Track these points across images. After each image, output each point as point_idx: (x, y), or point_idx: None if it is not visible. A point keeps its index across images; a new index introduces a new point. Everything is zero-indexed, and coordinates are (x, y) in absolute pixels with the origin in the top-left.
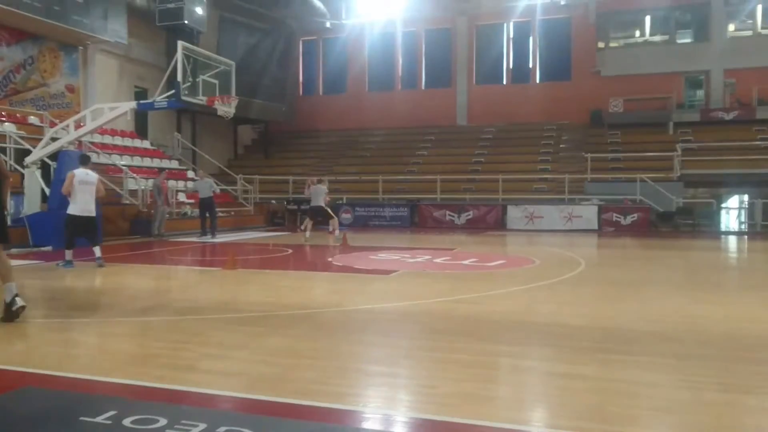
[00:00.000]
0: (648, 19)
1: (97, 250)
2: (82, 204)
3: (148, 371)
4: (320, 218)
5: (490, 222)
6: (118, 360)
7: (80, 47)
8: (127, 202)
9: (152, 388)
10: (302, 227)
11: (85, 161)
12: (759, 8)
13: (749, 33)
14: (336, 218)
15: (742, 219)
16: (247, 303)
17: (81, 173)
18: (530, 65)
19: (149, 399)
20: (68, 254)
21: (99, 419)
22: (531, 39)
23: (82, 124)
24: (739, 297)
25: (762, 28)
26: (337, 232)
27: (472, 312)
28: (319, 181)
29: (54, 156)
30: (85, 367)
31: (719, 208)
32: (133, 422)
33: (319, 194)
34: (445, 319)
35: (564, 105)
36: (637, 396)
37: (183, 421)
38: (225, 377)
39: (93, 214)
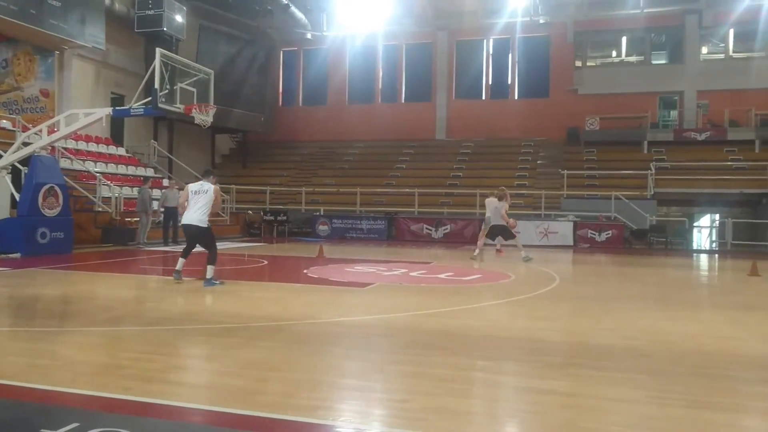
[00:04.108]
0: (624, 39)
1: (208, 271)
2: (189, 213)
3: (114, 382)
4: (497, 236)
5: (467, 236)
6: (83, 370)
7: (56, 52)
8: (100, 209)
9: (117, 399)
10: (479, 249)
11: (206, 174)
12: (731, 32)
13: (721, 56)
14: (516, 238)
15: (713, 237)
16: (219, 314)
17: (195, 185)
18: (509, 81)
19: (114, 411)
20: (179, 263)
21: (61, 431)
22: (510, 56)
23: (55, 129)
24: (709, 314)
25: (733, 51)
26: (523, 252)
27: (446, 326)
28: (498, 197)
29: (25, 161)
30: (49, 378)
31: (691, 227)
32: None
33: (496, 211)
34: (420, 332)
35: (541, 122)
36: (607, 411)
37: None
38: (193, 389)
39: (194, 222)
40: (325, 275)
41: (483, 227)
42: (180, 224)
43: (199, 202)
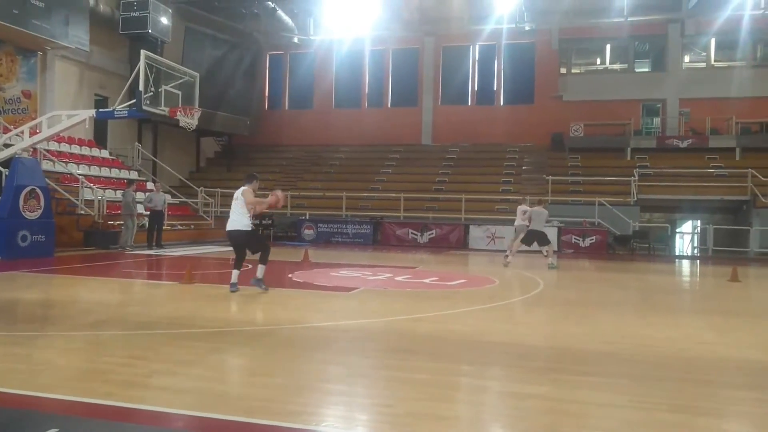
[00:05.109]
0: (608, 47)
1: (259, 270)
2: (230, 219)
3: (96, 387)
4: (535, 243)
5: (452, 241)
6: (64, 375)
7: (39, 52)
8: (82, 212)
9: (99, 405)
10: (510, 252)
11: (248, 179)
12: (712, 42)
13: (703, 65)
14: (551, 243)
15: (695, 243)
16: (202, 318)
17: (236, 192)
18: (494, 88)
19: (95, 416)
20: (233, 275)
21: None
22: (496, 62)
23: (37, 130)
24: (690, 320)
25: (715, 60)
26: (550, 259)
27: (431, 331)
28: (539, 202)
29: (6, 163)
30: (28, 383)
31: (673, 233)
32: None
33: (542, 218)
34: (404, 337)
35: (526, 128)
36: (589, 416)
37: None
38: (175, 394)
39: (235, 227)
40: (310, 280)
41: (515, 234)
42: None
43: (237, 207)
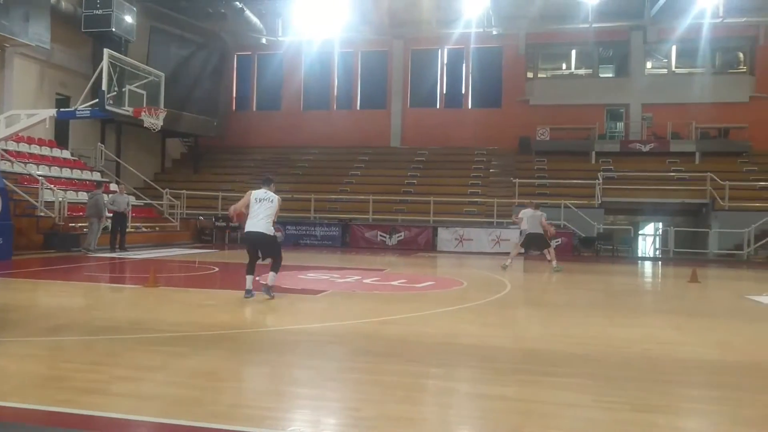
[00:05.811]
0: (574, 53)
1: (270, 277)
2: (254, 220)
3: (54, 394)
4: (535, 247)
5: (420, 243)
6: (20, 382)
7: None
8: (42, 214)
9: (57, 412)
10: (511, 258)
11: (267, 182)
12: (674, 49)
13: (665, 71)
14: (552, 247)
15: (657, 245)
16: (167, 322)
17: (259, 192)
18: (463, 91)
19: (52, 425)
20: (247, 281)
21: None
22: (464, 66)
23: None
24: (652, 320)
25: (676, 67)
26: (554, 262)
27: (399, 333)
28: (535, 206)
29: None
30: None
31: (636, 235)
32: None
33: (535, 220)
34: (372, 340)
35: (494, 131)
36: (555, 416)
37: None
38: (138, 401)
39: (259, 230)
40: (278, 282)
41: (519, 238)
42: (244, 232)
43: (265, 210)
